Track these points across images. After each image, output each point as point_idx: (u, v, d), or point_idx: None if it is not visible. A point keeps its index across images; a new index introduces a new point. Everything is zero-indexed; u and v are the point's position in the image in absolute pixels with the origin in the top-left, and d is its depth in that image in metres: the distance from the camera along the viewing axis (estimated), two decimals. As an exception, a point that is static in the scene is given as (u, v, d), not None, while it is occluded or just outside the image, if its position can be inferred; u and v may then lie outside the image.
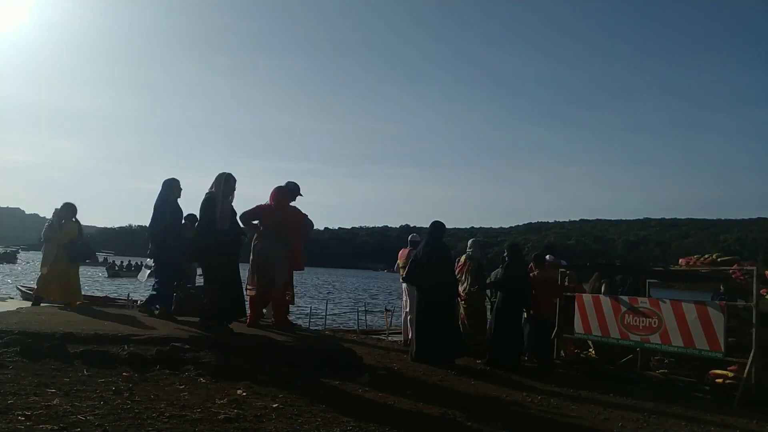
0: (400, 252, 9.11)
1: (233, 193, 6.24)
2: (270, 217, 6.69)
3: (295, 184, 7.39)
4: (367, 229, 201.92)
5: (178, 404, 3.54)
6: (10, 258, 66.10)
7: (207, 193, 6.07)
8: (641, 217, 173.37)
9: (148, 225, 6.86)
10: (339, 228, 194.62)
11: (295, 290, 7.53)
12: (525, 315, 8.07)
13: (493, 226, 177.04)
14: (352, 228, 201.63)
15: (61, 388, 3.57)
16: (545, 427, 4.59)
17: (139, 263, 52.00)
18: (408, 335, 8.73)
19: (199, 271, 10.79)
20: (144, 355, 4.56)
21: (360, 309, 14.39)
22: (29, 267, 57.15)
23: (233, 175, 6.21)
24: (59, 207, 8.11)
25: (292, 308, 7.95)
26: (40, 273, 8.18)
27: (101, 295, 20.92)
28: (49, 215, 8.39)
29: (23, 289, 19.89)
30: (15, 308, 6.98)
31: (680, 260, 8.38)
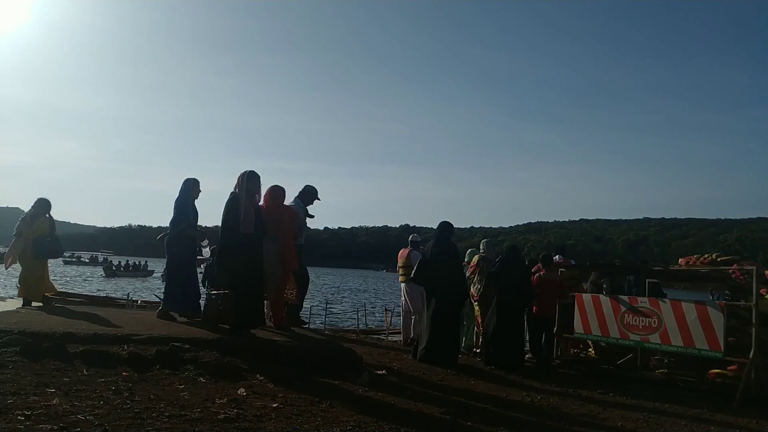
0: (400, 252, 9.10)
1: (259, 192, 6.11)
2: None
3: (313, 187, 7.47)
4: (367, 229, 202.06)
5: (178, 404, 3.54)
6: None
7: (231, 193, 5.88)
8: (641, 217, 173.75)
9: (169, 224, 6.72)
10: (339, 228, 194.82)
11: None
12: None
13: (493, 226, 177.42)
14: (352, 228, 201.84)
15: (61, 388, 3.57)
16: (545, 426, 4.59)
17: (137, 263, 52.02)
18: (408, 335, 8.75)
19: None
20: (144, 355, 4.56)
21: (360, 309, 14.37)
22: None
23: (256, 172, 6.01)
24: (33, 203, 7.95)
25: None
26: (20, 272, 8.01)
27: (102, 295, 20.94)
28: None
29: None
30: (15, 308, 6.97)
31: (680, 260, 8.37)
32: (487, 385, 6.09)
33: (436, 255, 7.22)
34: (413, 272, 7.61)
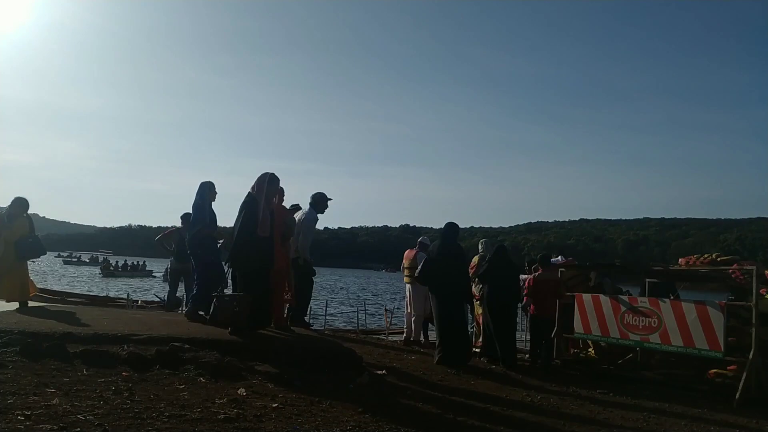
0: (406, 253, 9.12)
1: (277, 196, 6.12)
2: None
3: (322, 194, 7.62)
4: (367, 229, 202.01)
5: (177, 404, 3.54)
6: None
7: (247, 195, 5.91)
8: (641, 217, 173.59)
9: (189, 227, 6.81)
10: (339, 228, 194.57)
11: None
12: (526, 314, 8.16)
13: (493, 226, 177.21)
14: (352, 228, 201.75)
15: (61, 388, 3.57)
16: (545, 426, 4.59)
17: (136, 263, 51.94)
18: (411, 334, 8.78)
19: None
20: (144, 355, 4.56)
21: (360, 309, 14.38)
22: (30, 267, 57.06)
23: (277, 176, 6.04)
24: (9, 202, 7.85)
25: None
26: None
27: (102, 295, 20.95)
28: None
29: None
30: (15, 308, 6.97)
31: (680, 260, 8.38)
32: (487, 385, 6.09)
33: (440, 255, 7.27)
34: (417, 272, 7.67)
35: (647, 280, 8.23)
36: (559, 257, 9.57)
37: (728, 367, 6.70)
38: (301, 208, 8.05)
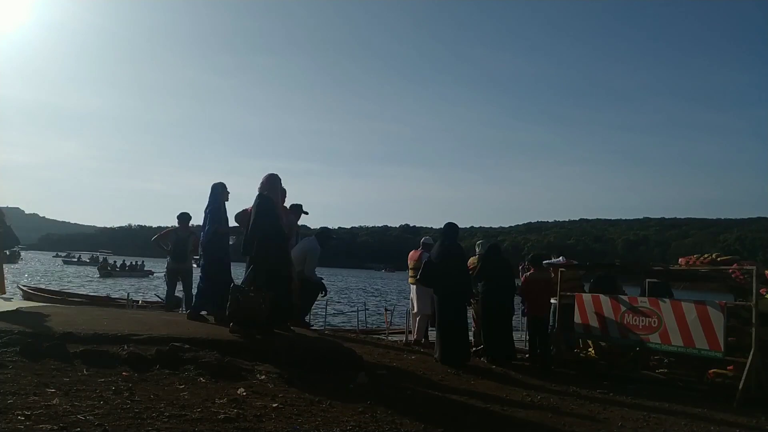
0: (411, 254, 9.12)
1: (282, 195, 6.37)
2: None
3: (329, 233, 8.34)
4: (367, 229, 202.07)
5: (178, 404, 3.54)
6: (11, 258, 65.82)
7: (262, 196, 6.02)
8: (641, 217, 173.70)
9: (204, 228, 6.90)
10: (339, 228, 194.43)
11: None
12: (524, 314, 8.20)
13: (493, 226, 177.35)
14: (352, 228, 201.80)
15: (61, 388, 3.57)
16: (546, 426, 4.59)
17: (135, 263, 51.79)
18: (415, 334, 8.79)
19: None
20: (144, 355, 4.56)
21: (360, 309, 14.39)
22: (30, 267, 57.21)
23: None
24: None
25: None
26: None
27: (102, 295, 20.95)
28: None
29: (24, 288, 19.91)
30: (15, 308, 6.97)
31: (680, 260, 8.37)
32: (486, 384, 6.09)
33: (440, 255, 7.33)
34: (419, 273, 7.76)
35: (647, 280, 8.22)
36: (560, 258, 9.56)
37: (728, 367, 6.70)
38: (302, 209, 8.11)
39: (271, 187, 6.06)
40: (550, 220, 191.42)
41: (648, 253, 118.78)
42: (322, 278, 8.00)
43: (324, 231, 8.17)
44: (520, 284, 8.28)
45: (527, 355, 8.15)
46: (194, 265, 10.54)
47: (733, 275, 7.15)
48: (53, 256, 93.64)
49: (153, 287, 31.18)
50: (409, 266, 9.03)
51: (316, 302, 8.77)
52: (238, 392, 4.01)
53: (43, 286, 23.66)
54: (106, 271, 47.31)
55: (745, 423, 5.21)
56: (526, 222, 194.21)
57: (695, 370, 7.18)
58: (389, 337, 10.29)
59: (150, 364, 4.44)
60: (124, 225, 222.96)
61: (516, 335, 8.90)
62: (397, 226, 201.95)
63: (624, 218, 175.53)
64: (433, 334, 8.85)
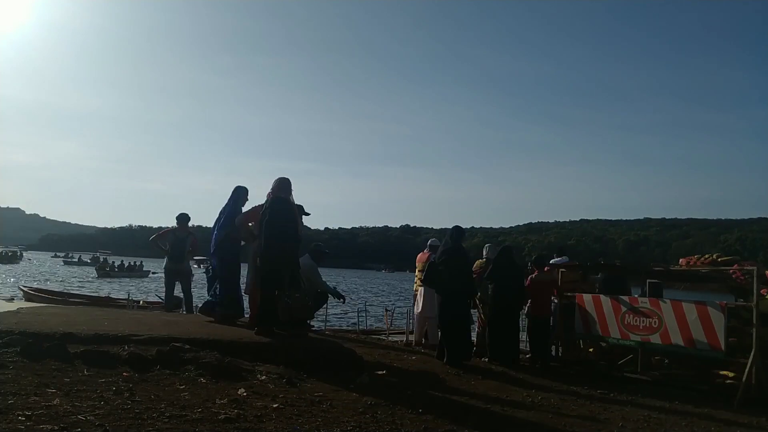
0: (419, 256, 9.13)
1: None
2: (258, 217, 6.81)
3: (320, 248, 8.37)
4: (367, 229, 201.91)
5: (178, 404, 3.54)
6: (12, 258, 65.82)
7: (279, 198, 6.07)
8: (641, 217, 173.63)
9: (216, 230, 6.97)
10: (339, 228, 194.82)
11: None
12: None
13: (493, 226, 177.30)
14: (352, 228, 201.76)
15: (62, 388, 3.57)
16: (546, 427, 4.59)
17: (133, 263, 51.69)
18: (424, 337, 8.78)
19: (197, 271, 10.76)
20: (144, 355, 4.56)
21: (360, 309, 14.38)
22: (29, 267, 57.21)
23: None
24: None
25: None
26: None
27: (103, 295, 20.97)
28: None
29: (25, 289, 19.92)
30: (16, 308, 6.97)
31: (680, 260, 8.38)
32: (487, 385, 6.09)
33: (442, 256, 7.43)
34: (423, 275, 7.86)
35: (648, 280, 8.22)
36: (564, 258, 9.56)
37: (729, 368, 6.69)
38: (303, 210, 8.12)
39: (286, 189, 6.14)
40: (550, 221, 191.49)
41: (649, 254, 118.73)
42: (335, 286, 8.09)
43: (317, 248, 8.34)
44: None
45: (528, 356, 8.15)
46: (195, 266, 10.55)
47: (733, 276, 7.15)
48: (52, 257, 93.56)
49: (151, 287, 31.19)
50: (417, 268, 9.02)
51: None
52: (239, 392, 4.01)
53: (42, 287, 23.66)
54: (104, 272, 47.08)
55: (746, 423, 5.21)
56: (526, 222, 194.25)
57: (695, 370, 7.17)
58: (390, 338, 10.29)
59: (150, 365, 4.44)
60: (124, 225, 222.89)
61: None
62: (398, 226, 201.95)
63: (624, 218, 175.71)
64: (432, 335, 8.87)
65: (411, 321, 11.56)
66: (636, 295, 7.76)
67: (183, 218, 9.73)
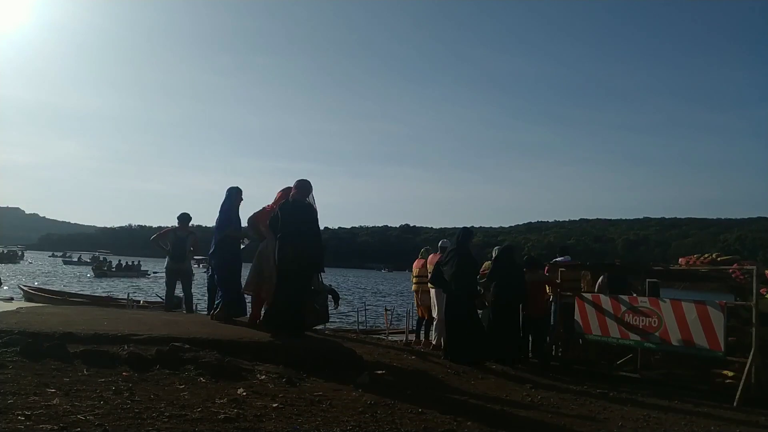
0: (430, 258, 9.13)
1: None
2: (267, 218, 6.80)
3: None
4: (367, 229, 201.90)
5: (178, 404, 3.54)
6: (12, 258, 65.77)
7: (303, 201, 6.16)
8: (641, 217, 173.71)
9: (214, 229, 7.03)
10: (339, 228, 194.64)
11: None
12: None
13: (493, 226, 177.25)
14: (352, 228, 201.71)
15: (61, 388, 3.57)
16: (545, 427, 4.59)
17: (131, 263, 51.60)
18: (434, 340, 8.76)
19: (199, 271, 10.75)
20: (144, 355, 4.56)
21: (360, 309, 14.39)
22: (27, 267, 57.21)
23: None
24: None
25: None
26: None
27: (104, 295, 20.97)
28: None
29: (25, 288, 19.92)
30: (15, 308, 6.97)
31: (680, 260, 8.38)
32: (487, 384, 6.09)
33: (447, 257, 7.56)
34: (431, 276, 7.99)
35: (648, 280, 8.22)
36: (566, 257, 9.56)
37: (729, 367, 6.70)
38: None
39: (306, 193, 6.24)
40: (550, 220, 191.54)
41: (648, 253, 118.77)
42: (331, 285, 8.07)
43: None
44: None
45: (524, 356, 8.15)
46: (195, 266, 10.55)
47: (733, 275, 7.15)
48: (49, 256, 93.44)
49: (148, 287, 31.18)
50: (429, 270, 9.01)
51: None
52: (238, 392, 4.01)
53: (39, 286, 23.67)
54: (101, 271, 46.89)
55: (745, 423, 5.21)
56: (526, 222, 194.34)
57: (695, 369, 7.18)
58: (389, 338, 10.30)
59: (150, 364, 4.44)
60: (124, 225, 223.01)
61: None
62: (397, 226, 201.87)
63: (624, 218, 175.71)
64: (433, 335, 8.85)
65: (411, 321, 11.58)
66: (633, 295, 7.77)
67: (184, 218, 9.76)
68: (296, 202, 6.16)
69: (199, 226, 10.10)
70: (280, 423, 3.46)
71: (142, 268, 51.00)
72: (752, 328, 6.06)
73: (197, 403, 3.62)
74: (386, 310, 14.27)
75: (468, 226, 8.25)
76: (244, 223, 7.20)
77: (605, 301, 7.49)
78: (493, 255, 8.89)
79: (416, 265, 9.66)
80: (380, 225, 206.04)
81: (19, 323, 5.24)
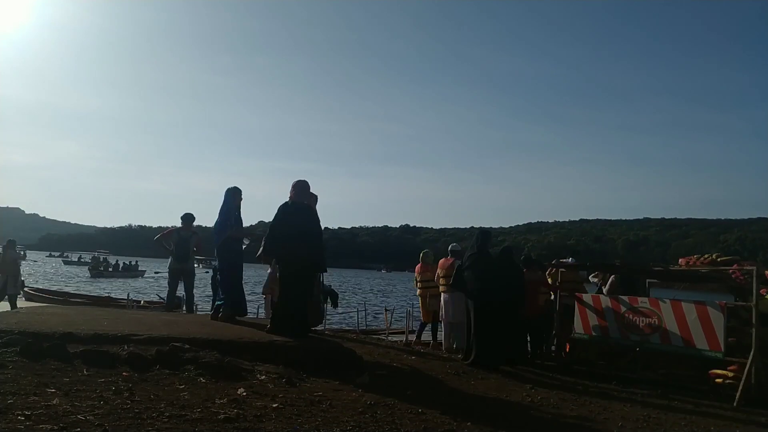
0: (441, 262, 9.12)
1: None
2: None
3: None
4: (367, 229, 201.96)
5: (178, 404, 3.54)
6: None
7: (302, 204, 6.17)
8: (641, 217, 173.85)
9: (214, 230, 7.04)
10: (339, 228, 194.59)
11: None
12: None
13: (493, 226, 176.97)
14: (352, 228, 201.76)
15: (61, 388, 3.57)
16: (545, 427, 4.59)
17: (129, 263, 51.49)
18: (444, 342, 8.74)
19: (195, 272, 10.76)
20: (144, 355, 4.56)
21: (360, 309, 14.41)
22: (32, 267, 57.21)
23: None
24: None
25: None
26: None
27: (104, 295, 20.97)
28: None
29: (25, 289, 19.92)
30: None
31: (680, 260, 8.37)
32: (486, 384, 6.09)
33: (468, 260, 7.47)
34: (452, 279, 7.88)
35: (648, 280, 8.23)
36: (570, 260, 9.56)
37: (728, 368, 6.69)
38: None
39: (306, 195, 6.28)
40: (550, 221, 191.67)
41: (648, 254, 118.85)
42: (330, 285, 8.09)
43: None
44: None
45: (525, 357, 8.15)
46: (196, 266, 10.56)
47: (733, 276, 7.14)
48: (47, 256, 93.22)
49: (145, 287, 31.15)
50: (440, 274, 8.98)
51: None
52: (238, 392, 4.01)
53: (40, 287, 23.66)
54: (98, 271, 46.72)
55: (745, 424, 5.21)
56: (526, 222, 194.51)
57: (695, 370, 7.17)
58: (389, 338, 10.30)
59: (150, 364, 4.44)
60: (124, 225, 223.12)
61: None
62: (397, 226, 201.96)
63: (624, 218, 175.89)
64: (438, 336, 8.85)
65: (411, 321, 11.60)
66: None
67: (187, 218, 9.80)
68: (296, 204, 6.16)
69: (198, 226, 10.07)
70: (280, 423, 3.46)
71: (140, 269, 50.87)
72: (752, 328, 6.05)
73: (197, 403, 3.63)
74: (386, 310, 14.29)
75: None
76: (245, 223, 7.24)
77: (605, 301, 7.49)
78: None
79: (418, 270, 9.65)
80: (380, 225, 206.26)
81: (19, 323, 5.24)
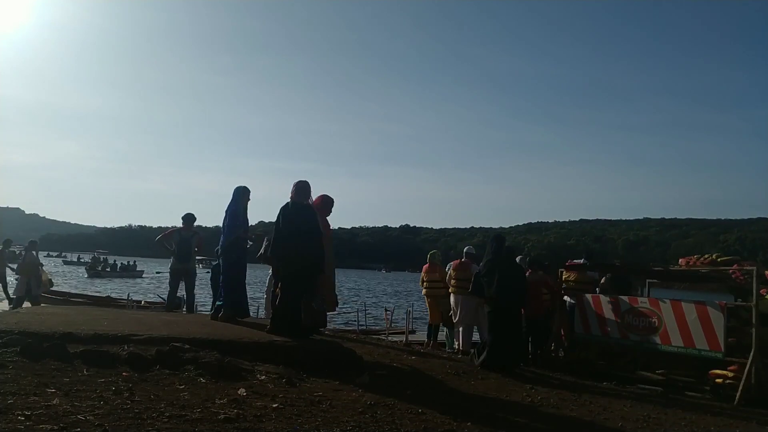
0: (454, 264, 9.10)
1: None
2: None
3: None
4: (367, 229, 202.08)
5: (178, 404, 3.54)
6: (14, 258, 65.36)
7: (302, 203, 6.15)
8: (641, 217, 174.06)
9: (222, 231, 7.01)
10: (339, 228, 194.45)
11: None
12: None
13: (493, 226, 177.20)
14: (352, 228, 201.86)
15: (61, 388, 3.57)
16: (545, 427, 4.59)
17: (127, 263, 51.38)
18: (462, 345, 8.72)
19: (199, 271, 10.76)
20: (144, 355, 4.56)
21: (360, 309, 14.41)
22: (29, 267, 57.01)
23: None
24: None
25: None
26: None
27: (104, 295, 20.98)
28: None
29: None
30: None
31: (680, 260, 8.38)
32: (486, 385, 6.09)
33: (486, 266, 7.42)
34: (471, 285, 7.88)
35: (648, 280, 8.24)
36: (582, 260, 9.56)
37: (728, 368, 6.70)
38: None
39: (305, 195, 6.25)
40: (550, 221, 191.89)
41: (648, 254, 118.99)
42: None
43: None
44: None
45: (526, 359, 8.15)
46: (198, 266, 10.57)
47: (733, 276, 7.15)
48: (45, 256, 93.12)
49: (139, 288, 31.13)
50: (452, 275, 8.96)
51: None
52: (239, 392, 4.01)
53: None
54: (95, 271, 46.60)
55: (745, 424, 5.21)
56: (526, 222, 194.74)
57: (695, 370, 7.18)
58: (389, 338, 10.30)
59: (150, 365, 4.44)
60: (124, 225, 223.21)
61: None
62: (397, 226, 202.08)
63: (624, 218, 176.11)
64: (440, 336, 8.83)
65: (411, 321, 11.60)
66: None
67: (189, 218, 9.81)
68: (296, 204, 6.17)
69: (198, 226, 10.07)
70: (280, 423, 3.46)
71: (138, 269, 50.75)
72: (752, 328, 6.06)
73: (197, 403, 3.62)
74: (386, 310, 14.30)
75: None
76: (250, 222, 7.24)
77: (605, 301, 7.49)
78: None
79: (426, 270, 9.62)
80: (380, 225, 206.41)
81: (19, 323, 5.24)
